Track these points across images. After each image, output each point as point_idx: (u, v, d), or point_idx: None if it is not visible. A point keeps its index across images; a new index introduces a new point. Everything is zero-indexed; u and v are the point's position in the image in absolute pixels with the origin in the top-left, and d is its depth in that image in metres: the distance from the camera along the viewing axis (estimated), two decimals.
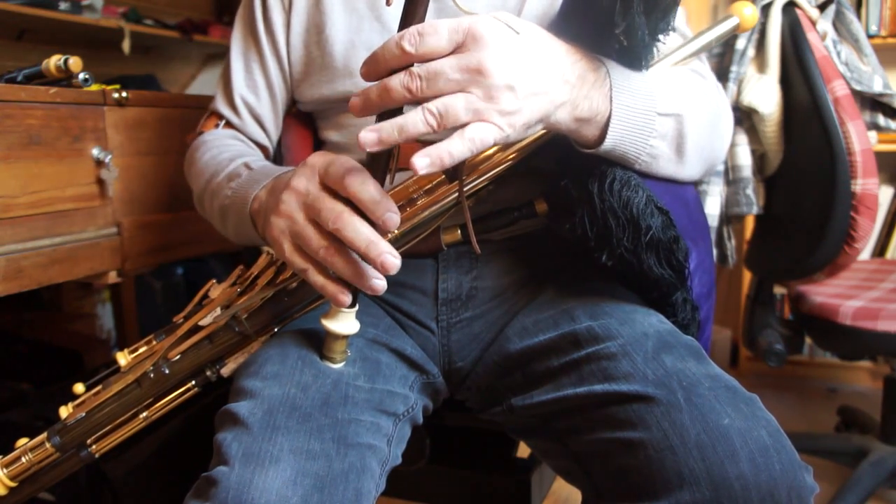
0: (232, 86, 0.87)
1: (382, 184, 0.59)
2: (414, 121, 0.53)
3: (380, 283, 0.59)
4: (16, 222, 0.88)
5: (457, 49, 0.53)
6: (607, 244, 0.65)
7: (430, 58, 0.53)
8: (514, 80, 0.53)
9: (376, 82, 0.55)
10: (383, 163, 0.59)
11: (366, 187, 0.56)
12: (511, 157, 0.68)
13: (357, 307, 0.63)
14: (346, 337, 0.64)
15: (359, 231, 0.56)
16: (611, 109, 0.61)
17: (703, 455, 0.53)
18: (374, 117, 0.57)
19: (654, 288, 0.69)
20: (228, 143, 0.85)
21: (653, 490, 0.54)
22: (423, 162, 0.53)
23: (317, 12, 0.81)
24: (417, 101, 0.54)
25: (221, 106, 0.88)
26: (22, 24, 1.89)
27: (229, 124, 0.88)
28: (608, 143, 0.63)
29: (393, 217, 0.56)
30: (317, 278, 0.60)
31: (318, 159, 0.60)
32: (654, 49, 0.62)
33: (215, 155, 0.82)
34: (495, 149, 0.68)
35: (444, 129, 0.53)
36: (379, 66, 0.55)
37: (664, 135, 0.66)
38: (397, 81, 0.53)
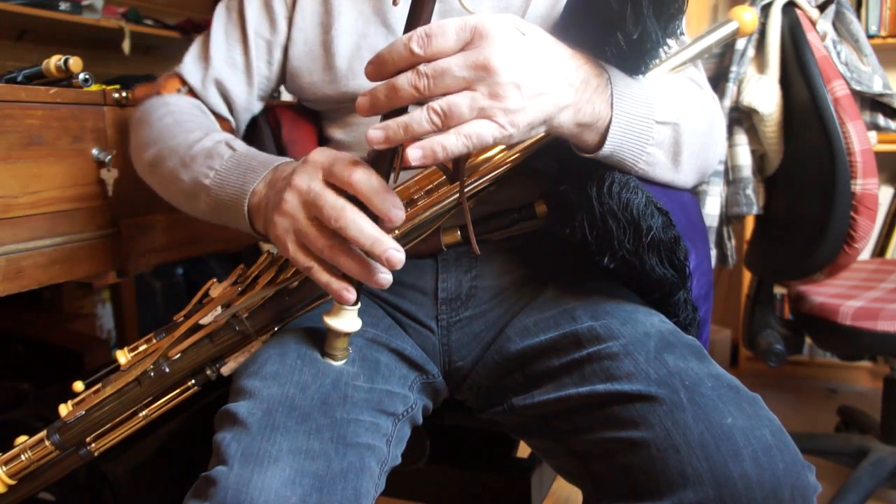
0: (209, 56, 0.85)
1: (387, 181, 0.59)
2: (419, 120, 0.53)
3: (386, 278, 0.59)
4: (16, 222, 0.88)
5: (464, 47, 0.53)
6: (608, 247, 0.65)
7: (438, 59, 0.53)
8: (520, 78, 0.53)
9: (383, 82, 0.55)
10: (387, 161, 0.59)
11: (371, 182, 0.56)
12: (512, 158, 0.67)
13: (359, 304, 0.63)
14: (347, 334, 0.64)
15: (362, 228, 0.56)
16: (611, 115, 0.61)
17: (706, 454, 0.53)
18: (379, 116, 0.57)
19: (657, 289, 0.69)
20: (194, 112, 0.83)
21: (656, 489, 0.54)
22: (415, 154, 0.53)
23: (324, 11, 0.81)
24: (425, 100, 0.54)
25: (189, 72, 0.86)
26: (22, 24, 1.90)
27: (192, 92, 0.86)
28: (606, 149, 0.63)
29: (398, 213, 0.57)
30: (321, 276, 0.60)
31: (320, 156, 0.60)
32: (663, 52, 0.62)
33: (180, 121, 0.79)
34: (497, 150, 0.67)
35: (449, 128, 0.53)
36: (386, 67, 0.55)
37: (661, 143, 0.66)
38: (405, 80, 0.53)
